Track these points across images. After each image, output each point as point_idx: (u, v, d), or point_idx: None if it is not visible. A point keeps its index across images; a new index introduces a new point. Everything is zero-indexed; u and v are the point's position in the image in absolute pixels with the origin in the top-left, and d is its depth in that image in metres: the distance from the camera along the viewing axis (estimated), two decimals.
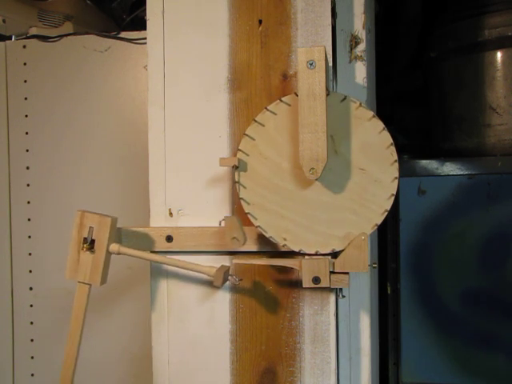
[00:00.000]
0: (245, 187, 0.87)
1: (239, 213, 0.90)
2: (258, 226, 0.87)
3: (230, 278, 0.89)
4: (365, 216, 0.85)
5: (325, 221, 0.86)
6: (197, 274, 0.94)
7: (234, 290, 0.93)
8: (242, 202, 0.87)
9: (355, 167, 0.85)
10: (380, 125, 0.84)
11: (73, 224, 0.88)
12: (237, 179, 0.87)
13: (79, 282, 0.89)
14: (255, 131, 0.87)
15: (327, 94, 0.81)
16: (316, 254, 0.86)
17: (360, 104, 0.84)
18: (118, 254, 0.89)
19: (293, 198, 0.86)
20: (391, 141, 0.84)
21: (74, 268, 0.89)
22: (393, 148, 0.84)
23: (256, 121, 0.86)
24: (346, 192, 0.85)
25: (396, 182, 0.84)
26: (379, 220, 0.85)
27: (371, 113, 0.84)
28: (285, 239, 0.86)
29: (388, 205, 0.85)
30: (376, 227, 0.85)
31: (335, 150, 0.85)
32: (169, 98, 0.95)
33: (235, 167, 0.87)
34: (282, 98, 0.86)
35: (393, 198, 0.85)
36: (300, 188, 0.86)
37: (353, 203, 0.85)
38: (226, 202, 0.93)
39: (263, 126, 0.86)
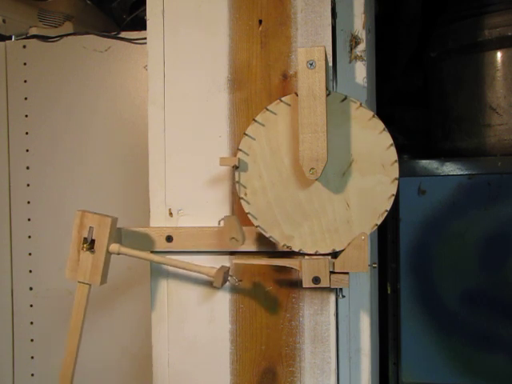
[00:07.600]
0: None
1: (239, 213, 0.90)
2: (237, 182, 0.87)
3: (229, 278, 0.89)
4: (322, 240, 0.86)
5: (290, 218, 0.86)
6: (197, 275, 0.94)
7: (234, 290, 0.93)
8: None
9: (343, 198, 0.85)
10: (393, 190, 0.84)
11: (73, 224, 0.89)
12: (237, 179, 0.87)
13: (79, 282, 0.89)
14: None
15: (327, 94, 0.81)
16: (316, 254, 0.86)
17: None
18: (118, 254, 0.89)
19: (281, 179, 0.86)
20: (388, 208, 0.84)
21: (74, 268, 0.89)
22: (385, 214, 0.84)
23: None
24: (322, 210, 0.85)
25: (367, 240, 0.84)
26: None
27: (397, 174, 0.84)
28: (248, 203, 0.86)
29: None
30: (376, 227, 0.85)
31: (344, 172, 0.85)
32: (169, 98, 0.95)
33: (235, 167, 0.86)
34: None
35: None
36: (293, 178, 0.86)
37: (319, 223, 0.86)
38: (226, 201, 0.93)
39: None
